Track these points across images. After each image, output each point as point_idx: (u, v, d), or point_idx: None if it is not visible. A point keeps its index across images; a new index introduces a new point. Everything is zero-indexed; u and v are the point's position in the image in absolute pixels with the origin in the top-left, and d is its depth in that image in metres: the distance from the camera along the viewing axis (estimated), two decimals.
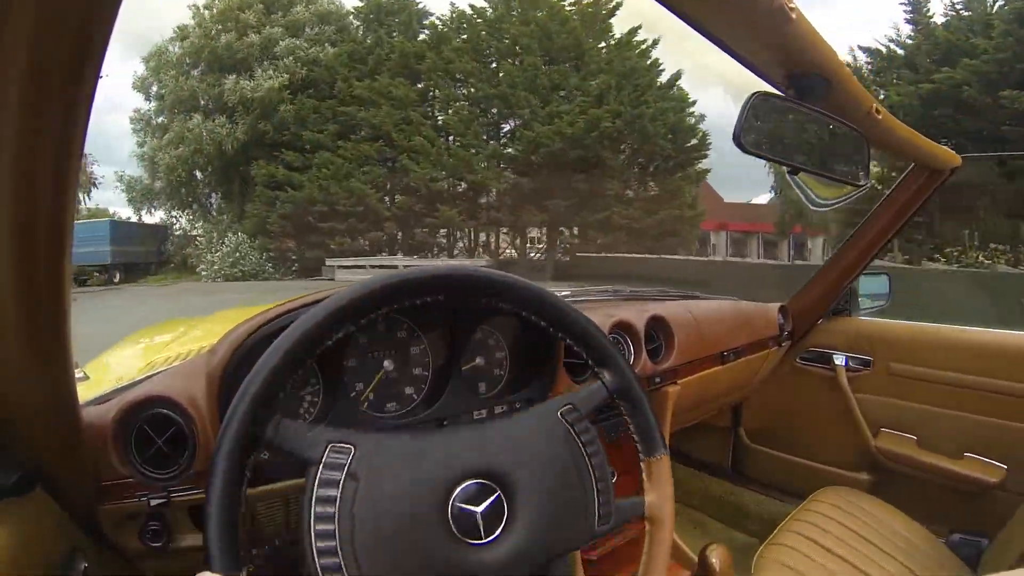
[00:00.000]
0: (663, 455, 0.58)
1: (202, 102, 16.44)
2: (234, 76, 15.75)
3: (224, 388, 0.59)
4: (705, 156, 15.74)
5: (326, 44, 16.47)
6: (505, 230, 16.51)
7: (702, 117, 15.71)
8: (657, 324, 1.10)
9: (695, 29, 0.54)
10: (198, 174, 17.56)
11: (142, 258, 17.86)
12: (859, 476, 1.37)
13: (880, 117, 0.79)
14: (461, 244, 16.89)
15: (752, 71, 0.65)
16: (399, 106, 15.08)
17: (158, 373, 0.66)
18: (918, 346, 1.30)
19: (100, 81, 0.29)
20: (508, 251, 16.75)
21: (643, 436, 0.58)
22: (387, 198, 15.77)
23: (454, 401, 0.74)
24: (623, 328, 1.01)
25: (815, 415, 1.46)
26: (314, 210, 14.99)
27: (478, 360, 0.80)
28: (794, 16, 0.53)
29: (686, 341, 1.13)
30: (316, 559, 0.42)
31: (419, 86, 15.72)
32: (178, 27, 16.97)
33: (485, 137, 15.30)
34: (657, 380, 1.06)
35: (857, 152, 0.82)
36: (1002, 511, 1.01)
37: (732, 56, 0.61)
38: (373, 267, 13.35)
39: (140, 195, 18.55)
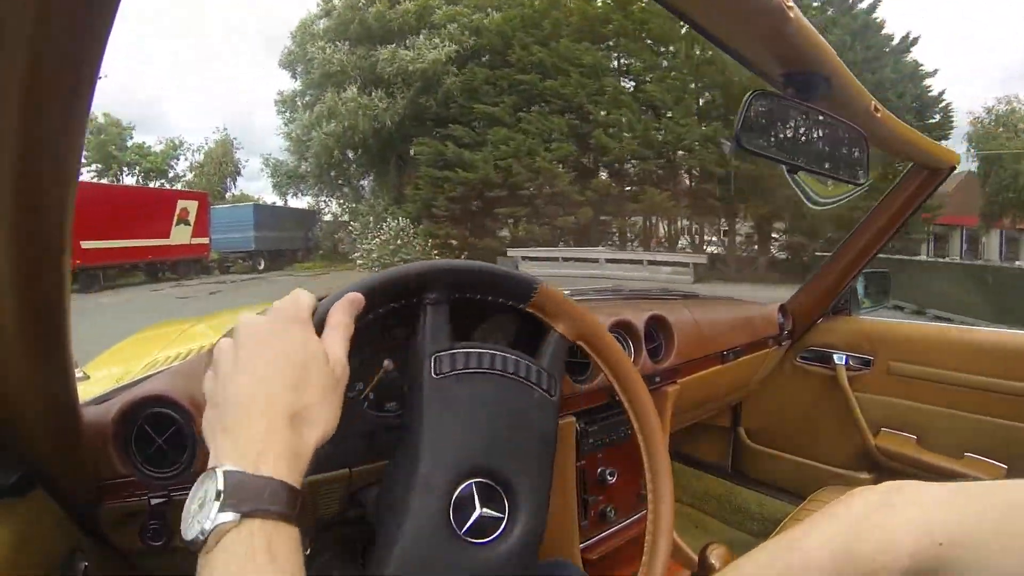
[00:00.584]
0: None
1: (352, 74, 14.72)
2: (391, 46, 13.96)
3: None
4: (949, 135, 12.64)
5: (490, 10, 14.39)
6: (718, 220, 13.79)
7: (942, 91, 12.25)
8: (657, 324, 1.10)
9: (693, 28, 0.54)
10: (350, 154, 16.03)
11: (288, 244, 17.02)
12: (859, 476, 1.37)
13: (879, 116, 0.79)
14: (660, 233, 14.39)
15: (751, 70, 0.65)
16: (590, 74, 12.73)
17: (158, 373, 0.66)
18: (918, 345, 1.30)
19: (100, 81, 0.29)
20: (711, 245, 14.00)
21: None
22: (578, 179, 13.18)
23: None
24: (623, 327, 1.01)
25: (815, 415, 1.46)
26: (490, 194, 12.95)
27: None
28: (792, 15, 0.53)
29: (686, 341, 1.13)
30: None
31: (605, 52, 13.15)
32: (322, 1, 15.43)
33: (696, 115, 12.68)
34: (657, 379, 1.06)
35: (857, 151, 0.82)
36: None
37: (731, 55, 0.61)
38: (567, 259, 11.85)
39: (285, 178, 17.41)
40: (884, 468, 1.33)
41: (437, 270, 0.55)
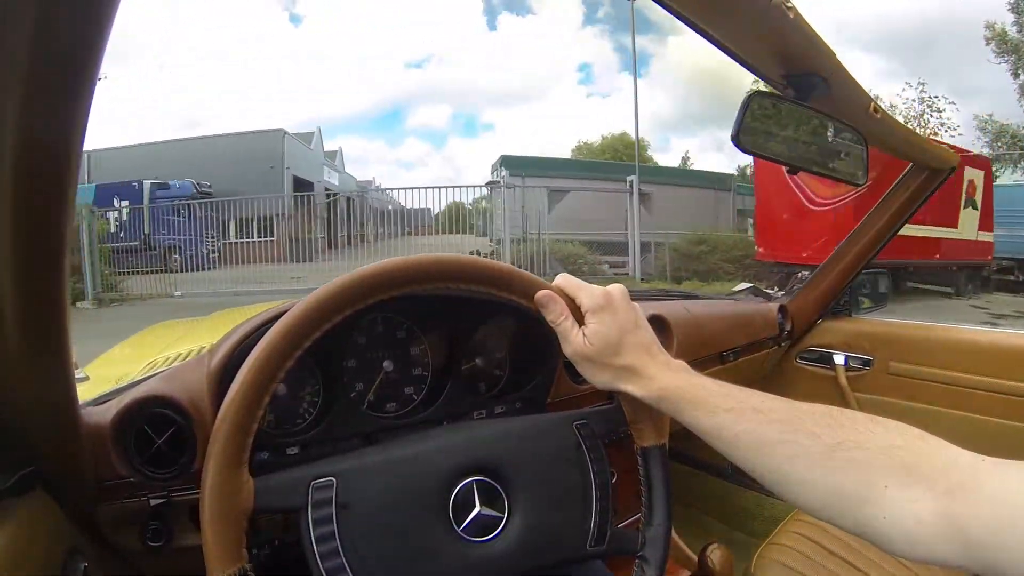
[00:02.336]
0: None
1: None
2: None
3: (224, 388, 0.59)
4: None
5: None
6: None
7: None
8: (657, 323, 1.10)
9: (693, 29, 0.54)
10: None
11: None
12: None
13: (879, 116, 0.79)
14: None
15: (750, 71, 0.65)
16: None
17: (158, 373, 0.66)
18: (918, 346, 1.30)
19: (100, 82, 0.30)
20: None
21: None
22: None
23: (454, 401, 0.74)
24: None
25: None
26: None
27: (478, 360, 0.81)
28: (792, 16, 0.53)
29: (686, 341, 1.13)
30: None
31: None
32: None
33: None
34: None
35: (856, 151, 0.82)
36: None
37: (730, 56, 0.61)
38: None
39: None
40: None
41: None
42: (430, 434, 0.57)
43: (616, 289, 0.53)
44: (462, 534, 0.47)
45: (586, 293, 0.52)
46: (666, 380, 0.49)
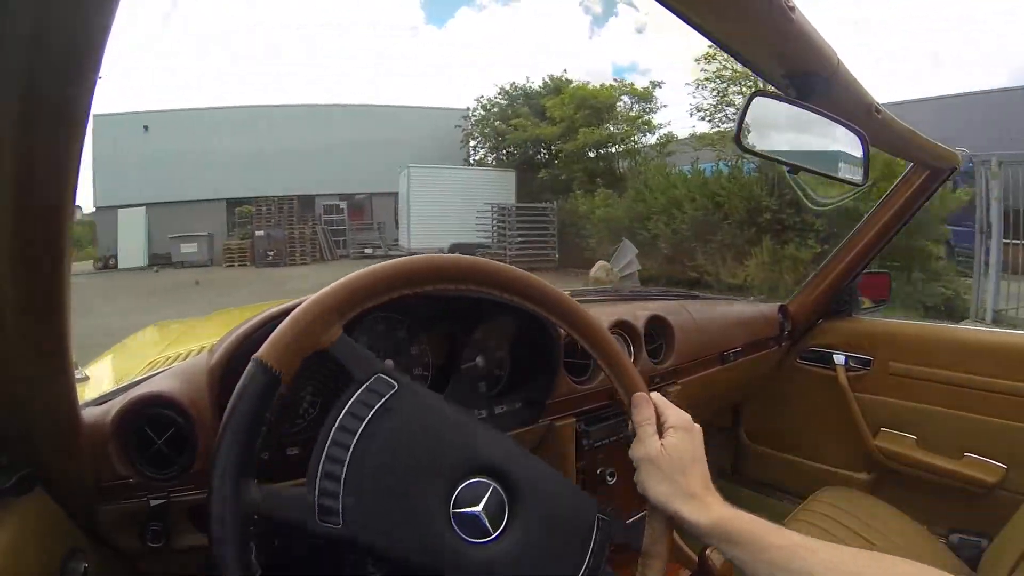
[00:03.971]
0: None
1: None
2: None
3: (224, 388, 0.59)
4: None
5: None
6: None
7: None
8: (657, 324, 1.10)
9: (694, 28, 0.54)
10: None
11: None
12: (859, 476, 1.37)
13: (880, 116, 0.79)
14: None
15: (752, 70, 0.65)
16: None
17: (158, 373, 0.66)
18: (918, 346, 1.30)
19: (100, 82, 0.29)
20: None
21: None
22: None
23: (454, 401, 0.74)
24: (623, 327, 1.01)
25: (815, 415, 1.46)
26: None
27: (478, 360, 0.80)
28: (794, 15, 0.53)
29: (686, 341, 1.13)
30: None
31: None
32: None
33: None
34: (657, 380, 1.06)
35: (857, 151, 0.82)
36: (1002, 511, 1.01)
37: (732, 55, 0.61)
38: None
39: None
40: (884, 468, 1.33)
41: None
42: (464, 412, 0.56)
43: (696, 423, 0.57)
44: (453, 520, 0.46)
45: (674, 411, 0.57)
46: (723, 512, 0.52)
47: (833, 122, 0.76)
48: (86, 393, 0.64)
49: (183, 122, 16.11)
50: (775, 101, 0.69)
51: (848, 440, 1.37)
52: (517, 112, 14.71)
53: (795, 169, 0.79)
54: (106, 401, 0.59)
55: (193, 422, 0.58)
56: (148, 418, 0.57)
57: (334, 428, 0.45)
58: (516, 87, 15.52)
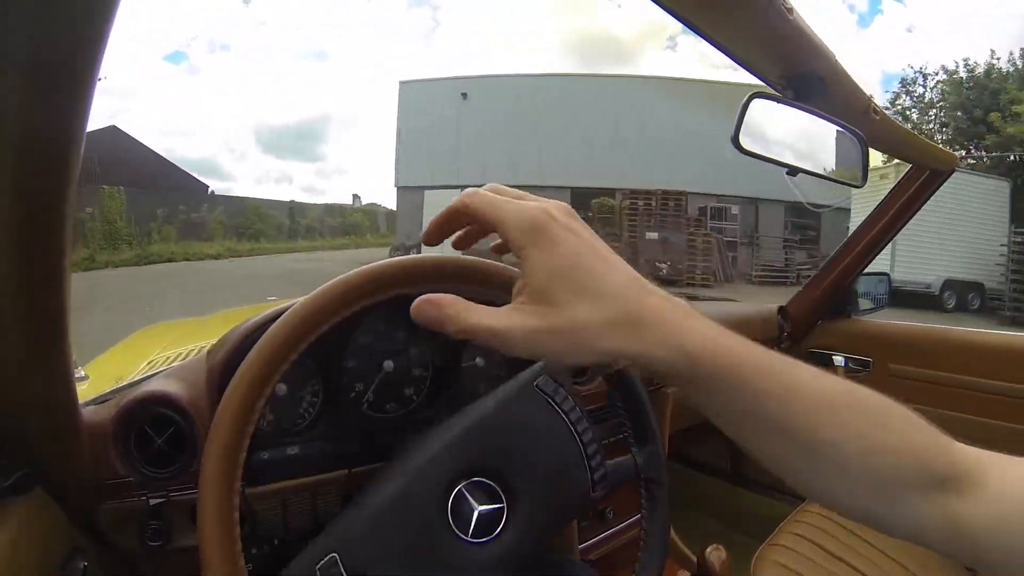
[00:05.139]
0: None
1: None
2: None
3: (224, 388, 0.59)
4: None
5: None
6: None
7: None
8: None
9: (690, 29, 0.54)
10: None
11: None
12: None
13: (878, 117, 0.79)
14: None
15: (748, 71, 0.65)
16: None
17: (158, 373, 0.66)
18: (918, 347, 1.30)
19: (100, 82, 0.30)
20: None
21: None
22: None
23: (454, 401, 0.74)
24: None
25: None
26: None
27: (478, 360, 0.80)
28: (791, 16, 0.53)
29: None
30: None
31: None
32: None
33: None
34: (657, 380, 1.06)
35: (855, 153, 0.82)
36: None
37: (728, 56, 0.61)
38: None
39: None
40: None
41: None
42: (409, 453, 0.53)
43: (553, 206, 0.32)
44: (470, 540, 0.46)
45: (510, 210, 0.31)
46: (693, 335, 0.30)
47: (831, 123, 0.77)
48: (86, 393, 0.64)
49: (509, 89, 12.65)
50: (772, 102, 0.69)
51: None
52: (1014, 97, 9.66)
53: (793, 171, 0.79)
54: (106, 400, 0.60)
55: (193, 422, 0.58)
56: (148, 417, 0.57)
57: None
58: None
